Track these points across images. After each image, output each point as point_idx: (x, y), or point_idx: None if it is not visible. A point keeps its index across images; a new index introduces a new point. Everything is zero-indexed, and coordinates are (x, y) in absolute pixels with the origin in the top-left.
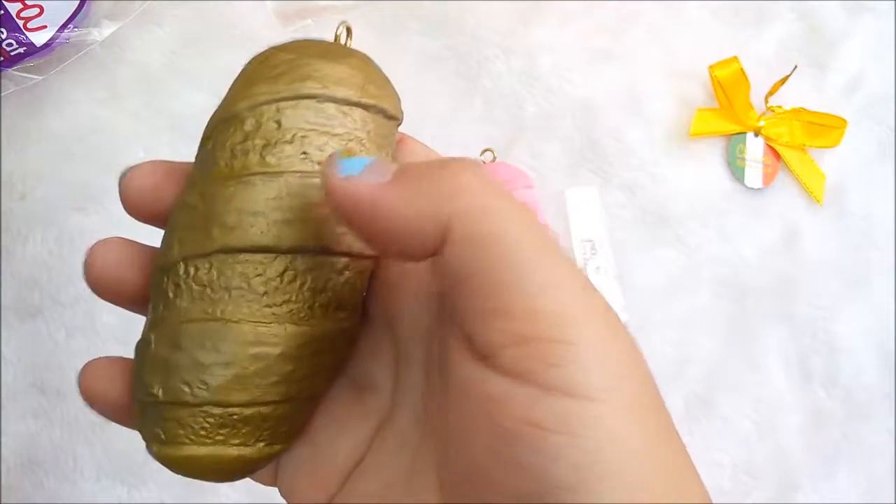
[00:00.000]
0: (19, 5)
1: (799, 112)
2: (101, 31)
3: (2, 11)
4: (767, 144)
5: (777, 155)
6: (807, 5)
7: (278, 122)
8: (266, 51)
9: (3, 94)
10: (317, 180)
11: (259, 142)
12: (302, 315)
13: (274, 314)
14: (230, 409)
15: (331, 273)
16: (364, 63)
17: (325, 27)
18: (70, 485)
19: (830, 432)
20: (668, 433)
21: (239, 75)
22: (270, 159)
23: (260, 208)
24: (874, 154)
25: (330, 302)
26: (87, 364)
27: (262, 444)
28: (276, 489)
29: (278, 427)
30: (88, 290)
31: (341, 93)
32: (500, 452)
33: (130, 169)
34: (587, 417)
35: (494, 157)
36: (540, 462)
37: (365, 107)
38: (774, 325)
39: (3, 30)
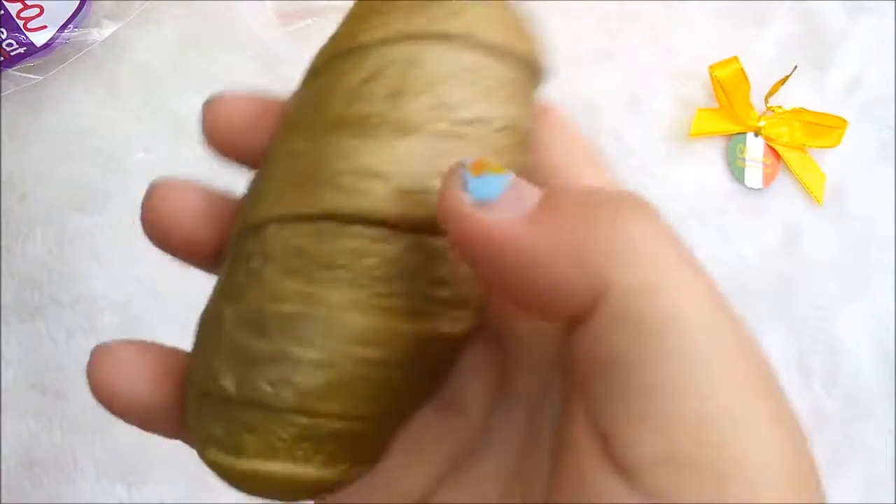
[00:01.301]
0: (19, 5)
1: (799, 112)
2: (102, 32)
3: (2, 11)
4: (767, 144)
5: (777, 155)
6: (807, 5)
7: (412, 65)
8: None
9: (3, 94)
10: (453, 143)
11: (385, 87)
12: (420, 311)
13: (385, 307)
14: (318, 421)
15: (456, 263)
16: (515, 9)
17: (325, 27)
18: (70, 485)
19: (830, 432)
20: None
21: (360, 4)
22: (399, 110)
23: (386, 169)
24: (874, 154)
25: (451, 299)
26: (98, 350)
27: (345, 466)
28: None
29: (367, 446)
30: (88, 291)
31: (493, 38)
32: None
33: (217, 96)
34: None
35: None
36: None
37: (517, 58)
38: (774, 325)
39: (3, 30)
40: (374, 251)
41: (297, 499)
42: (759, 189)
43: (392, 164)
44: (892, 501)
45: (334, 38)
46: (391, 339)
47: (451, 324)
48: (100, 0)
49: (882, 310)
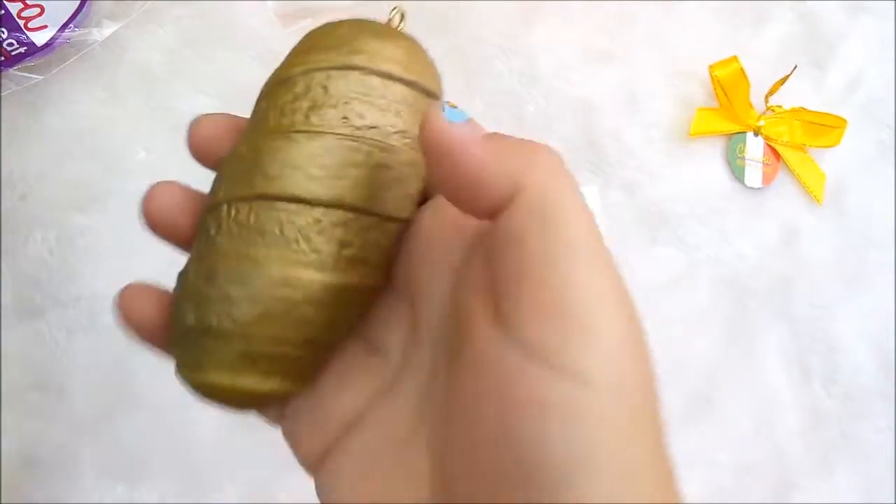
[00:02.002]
0: (20, 5)
1: (799, 112)
2: (102, 31)
3: (2, 11)
4: (767, 144)
5: (777, 154)
6: (806, 5)
7: (325, 88)
8: (326, 24)
9: (3, 93)
10: (352, 143)
11: (306, 103)
12: (328, 265)
13: (301, 261)
14: (250, 342)
15: (359, 230)
16: (410, 45)
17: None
18: (70, 484)
19: (829, 431)
20: (660, 439)
21: (298, 43)
22: (314, 119)
23: (300, 162)
24: (874, 154)
25: (355, 257)
26: (126, 286)
27: (275, 381)
28: (276, 492)
29: (293, 368)
30: (89, 290)
31: (385, 67)
32: (506, 424)
33: (200, 117)
34: (588, 406)
35: None
36: (539, 441)
37: (406, 83)
38: (774, 324)
39: (3, 29)
40: (293, 221)
41: (244, 407)
42: (758, 188)
43: (305, 158)
44: (891, 501)
45: (277, 69)
46: (305, 284)
47: (358, 277)
48: (100, 0)
49: (881, 309)
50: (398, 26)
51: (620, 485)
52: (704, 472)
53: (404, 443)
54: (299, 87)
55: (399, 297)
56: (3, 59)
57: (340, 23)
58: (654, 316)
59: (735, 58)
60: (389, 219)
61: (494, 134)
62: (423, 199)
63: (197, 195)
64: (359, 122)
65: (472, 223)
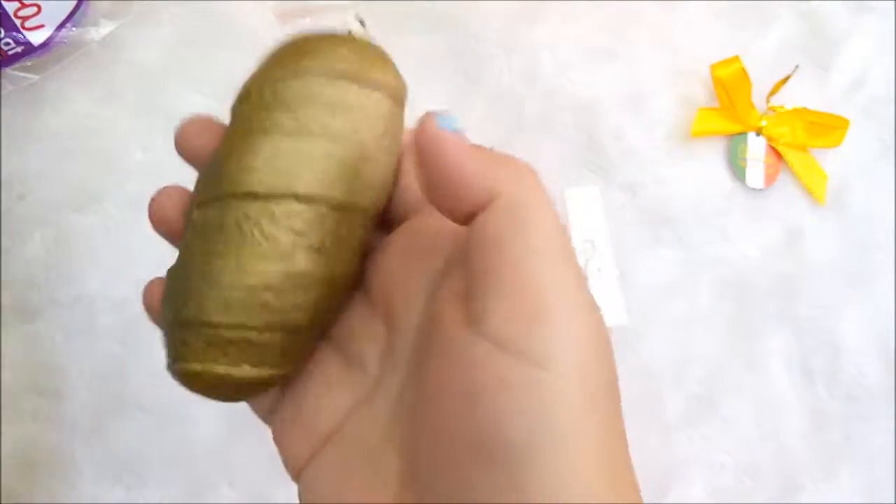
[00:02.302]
0: (17, 4)
1: (801, 112)
2: (100, 31)
3: None
4: (769, 144)
5: (779, 155)
6: (808, 5)
7: (275, 94)
8: (284, 40)
9: (1, 93)
10: (302, 140)
11: (257, 109)
12: (285, 255)
13: (257, 252)
14: (217, 330)
15: (313, 220)
16: (363, 46)
17: (324, 26)
18: (69, 486)
19: (832, 433)
20: (615, 420)
21: (266, 57)
22: (266, 123)
23: (253, 161)
24: (876, 154)
25: (311, 245)
26: (151, 280)
27: (247, 366)
28: (274, 491)
29: (263, 352)
30: (87, 291)
31: (336, 68)
32: (469, 404)
33: (185, 120)
34: (548, 387)
35: None
36: (500, 419)
37: (353, 81)
38: (776, 325)
39: (0, 29)
40: (249, 215)
41: (227, 395)
42: (760, 189)
43: (258, 157)
44: (894, 501)
45: (246, 81)
46: (262, 273)
47: (313, 265)
48: None
49: (884, 310)
50: (361, 32)
51: (578, 459)
52: (707, 474)
53: (378, 448)
54: (254, 96)
55: (376, 312)
56: (0, 58)
57: (294, 35)
58: (656, 317)
59: (737, 58)
60: (342, 207)
61: (480, 146)
62: (383, 191)
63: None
64: (306, 123)
65: (447, 239)
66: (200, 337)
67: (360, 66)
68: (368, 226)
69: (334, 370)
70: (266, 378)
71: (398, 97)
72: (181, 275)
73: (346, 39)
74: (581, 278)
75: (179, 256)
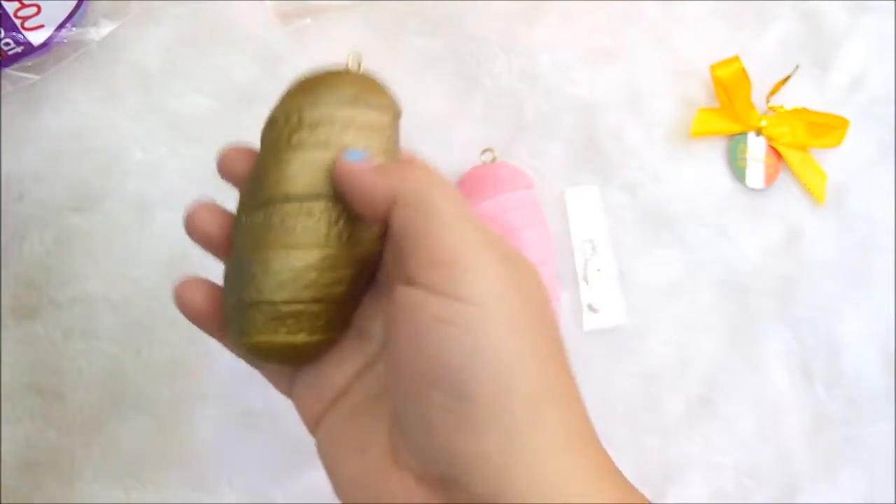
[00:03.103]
0: (17, 4)
1: (800, 112)
2: (99, 31)
3: None
4: (769, 144)
5: (778, 155)
6: (808, 5)
7: (300, 119)
8: (300, 76)
9: (0, 93)
10: (323, 153)
11: (287, 131)
12: (321, 241)
13: (300, 241)
14: (275, 307)
15: (340, 212)
16: (361, 77)
17: (324, 27)
18: (68, 486)
19: (832, 434)
20: (547, 341)
21: (284, 93)
22: (293, 141)
23: (290, 174)
24: (876, 154)
25: (341, 232)
26: (182, 281)
27: (303, 334)
28: (274, 493)
29: (314, 322)
30: (86, 291)
31: (345, 95)
32: (417, 342)
33: (226, 149)
34: (475, 317)
35: (495, 157)
36: (443, 350)
37: (358, 105)
38: (776, 325)
39: (0, 29)
40: (289, 213)
41: (286, 360)
42: (760, 189)
43: (291, 169)
44: (894, 503)
45: (273, 111)
46: (308, 256)
47: (345, 248)
48: None
49: (884, 311)
50: (357, 68)
51: (507, 372)
52: (706, 475)
53: (377, 397)
54: (281, 122)
55: (382, 292)
56: (0, 58)
57: (306, 74)
58: (656, 317)
59: (737, 58)
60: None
61: (383, 163)
62: None
63: (223, 212)
64: (326, 139)
65: None
66: (263, 314)
67: (362, 92)
68: None
69: (348, 343)
70: (318, 342)
71: (395, 114)
72: (239, 267)
73: (350, 73)
74: (488, 234)
75: (234, 253)
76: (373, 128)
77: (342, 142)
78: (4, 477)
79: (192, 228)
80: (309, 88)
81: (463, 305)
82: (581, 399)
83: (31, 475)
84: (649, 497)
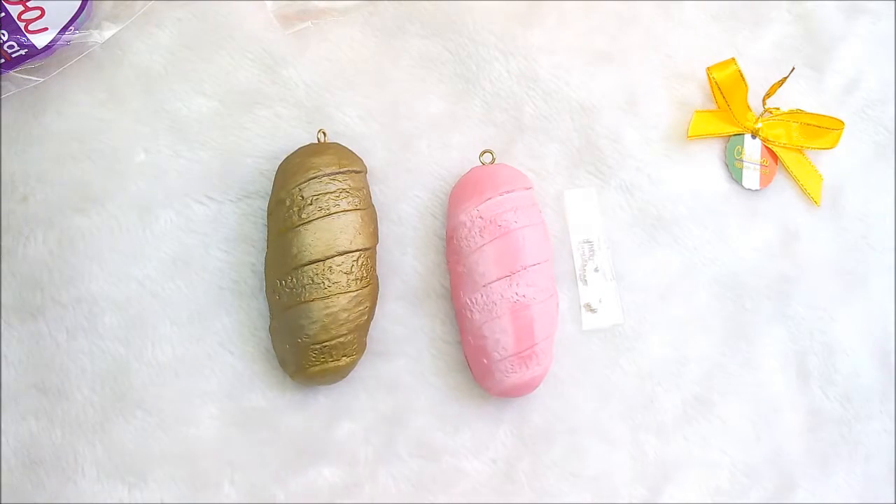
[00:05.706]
0: (20, 7)
1: (796, 114)
2: (102, 33)
3: (3, 13)
4: (765, 146)
5: (774, 156)
6: (804, 7)
7: (302, 195)
8: (287, 158)
9: (4, 95)
10: (327, 218)
11: (295, 209)
12: (343, 287)
13: (330, 291)
14: (323, 344)
15: (353, 262)
16: (338, 148)
17: (324, 29)
18: (71, 485)
19: (828, 433)
20: None
21: (277, 173)
22: (303, 215)
23: (305, 241)
24: (871, 155)
25: (357, 277)
26: None
27: (345, 358)
28: (275, 492)
29: (350, 347)
30: (89, 291)
31: (328, 169)
32: None
33: None
34: None
35: (493, 159)
36: None
37: (343, 172)
38: (772, 325)
39: (4, 32)
40: (315, 272)
41: (337, 380)
42: (756, 190)
43: (307, 237)
44: (891, 501)
45: (272, 193)
46: (337, 300)
47: (360, 287)
48: (101, 1)
49: (880, 311)
50: (325, 139)
51: None
52: (703, 474)
53: None
54: (287, 202)
55: None
56: (3, 61)
57: (293, 154)
58: (653, 317)
59: (733, 60)
60: (364, 249)
61: None
62: (377, 228)
63: None
64: (326, 207)
65: None
66: (314, 351)
67: (341, 162)
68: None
69: None
70: (354, 361)
71: (364, 170)
72: (283, 322)
73: (326, 146)
74: None
75: (277, 315)
76: (357, 187)
77: (340, 206)
78: (7, 475)
79: None
80: (300, 169)
81: None
82: None
83: (33, 473)
84: (646, 496)
